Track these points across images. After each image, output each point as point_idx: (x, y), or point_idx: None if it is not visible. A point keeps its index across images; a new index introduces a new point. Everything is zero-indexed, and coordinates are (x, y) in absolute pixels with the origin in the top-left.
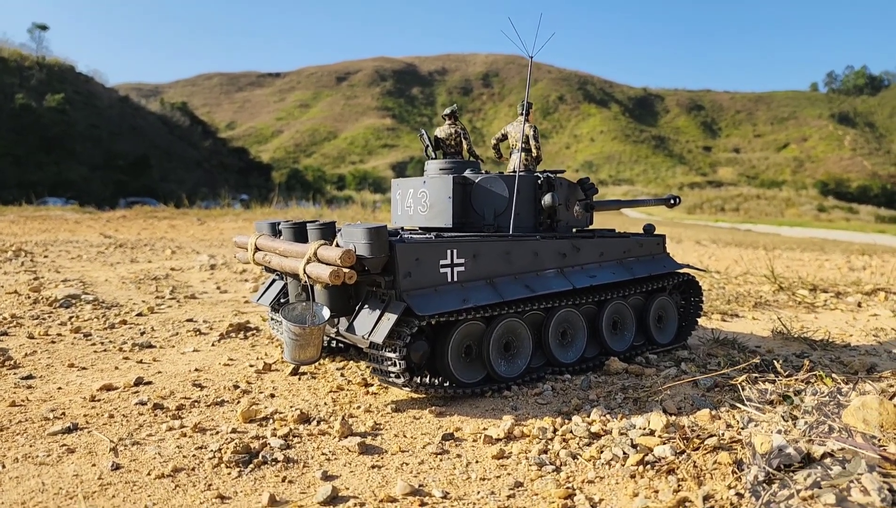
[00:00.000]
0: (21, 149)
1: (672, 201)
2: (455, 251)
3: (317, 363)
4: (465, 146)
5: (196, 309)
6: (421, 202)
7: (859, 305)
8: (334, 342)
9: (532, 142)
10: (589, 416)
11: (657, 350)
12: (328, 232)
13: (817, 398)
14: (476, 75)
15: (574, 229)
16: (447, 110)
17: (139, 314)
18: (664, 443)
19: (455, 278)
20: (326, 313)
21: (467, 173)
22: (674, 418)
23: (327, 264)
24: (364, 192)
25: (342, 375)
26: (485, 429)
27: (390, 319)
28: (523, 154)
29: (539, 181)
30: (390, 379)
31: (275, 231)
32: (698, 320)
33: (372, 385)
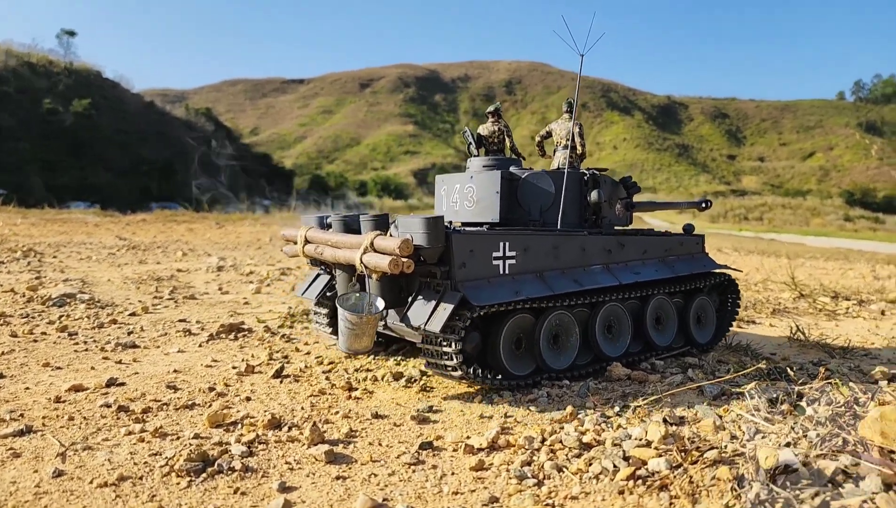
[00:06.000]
0: (48, 154)
1: (704, 205)
2: (507, 244)
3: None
4: (507, 144)
5: (192, 310)
6: (467, 197)
7: (883, 313)
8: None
9: (577, 139)
10: (583, 425)
11: (688, 352)
12: (382, 224)
13: (832, 409)
14: (499, 83)
15: (615, 227)
16: (491, 108)
17: (132, 314)
18: (660, 456)
19: (507, 271)
20: (381, 303)
21: (513, 169)
22: (675, 428)
23: (385, 253)
24: (385, 198)
25: (327, 378)
26: (468, 438)
27: (447, 309)
28: (567, 151)
29: (585, 178)
30: (447, 371)
31: (323, 225)
32: (735, 319)
33: (356, 390)
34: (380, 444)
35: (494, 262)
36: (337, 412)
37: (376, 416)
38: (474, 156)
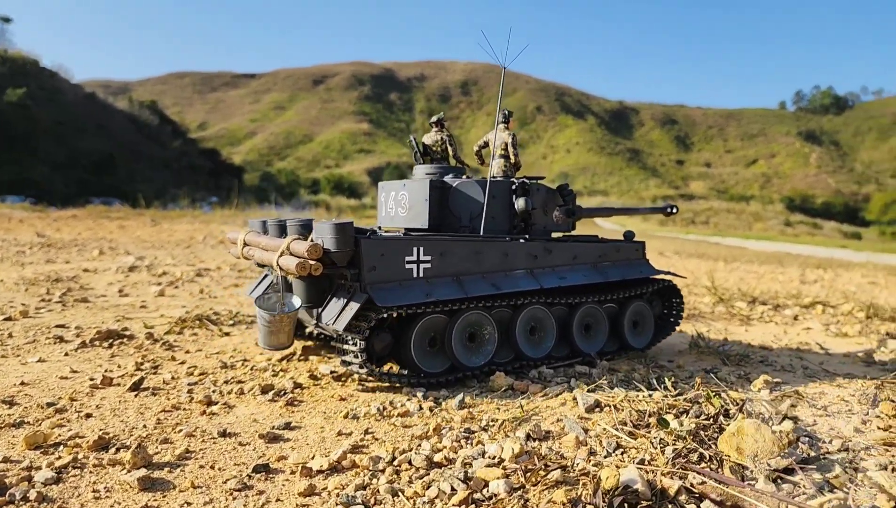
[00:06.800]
0: None
1: (669, 211)
2: (421, 249)
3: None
4: (450, 152)
5: (78, 314)
6: (401, 204)
7: (795, 318)
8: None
9: (510, 149)
10: (441, 441)
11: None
12: (306, 228)
13: (698, 422)
14: (455, 83)
15: (554, 234)
16: (434, 118)
17: (7, 319)
18: (506, 476)
19: (421, 274)
20: (297, 302)
21: (447, 178)
22: (536, 444)
23: (297, 256)
24: (339, 197)
25: (189, 392)
26: (312, 458)
27: (353, 308)
28: (502, 161)
29: (513, 186)
30: (353, 368)
31: (265, 228)
32: (678, 324)
33: (216, 404)
34: (212, 467)
35: (408, 266)
36: (181, 431)
37: (223, 434)
38: (419, 164)
